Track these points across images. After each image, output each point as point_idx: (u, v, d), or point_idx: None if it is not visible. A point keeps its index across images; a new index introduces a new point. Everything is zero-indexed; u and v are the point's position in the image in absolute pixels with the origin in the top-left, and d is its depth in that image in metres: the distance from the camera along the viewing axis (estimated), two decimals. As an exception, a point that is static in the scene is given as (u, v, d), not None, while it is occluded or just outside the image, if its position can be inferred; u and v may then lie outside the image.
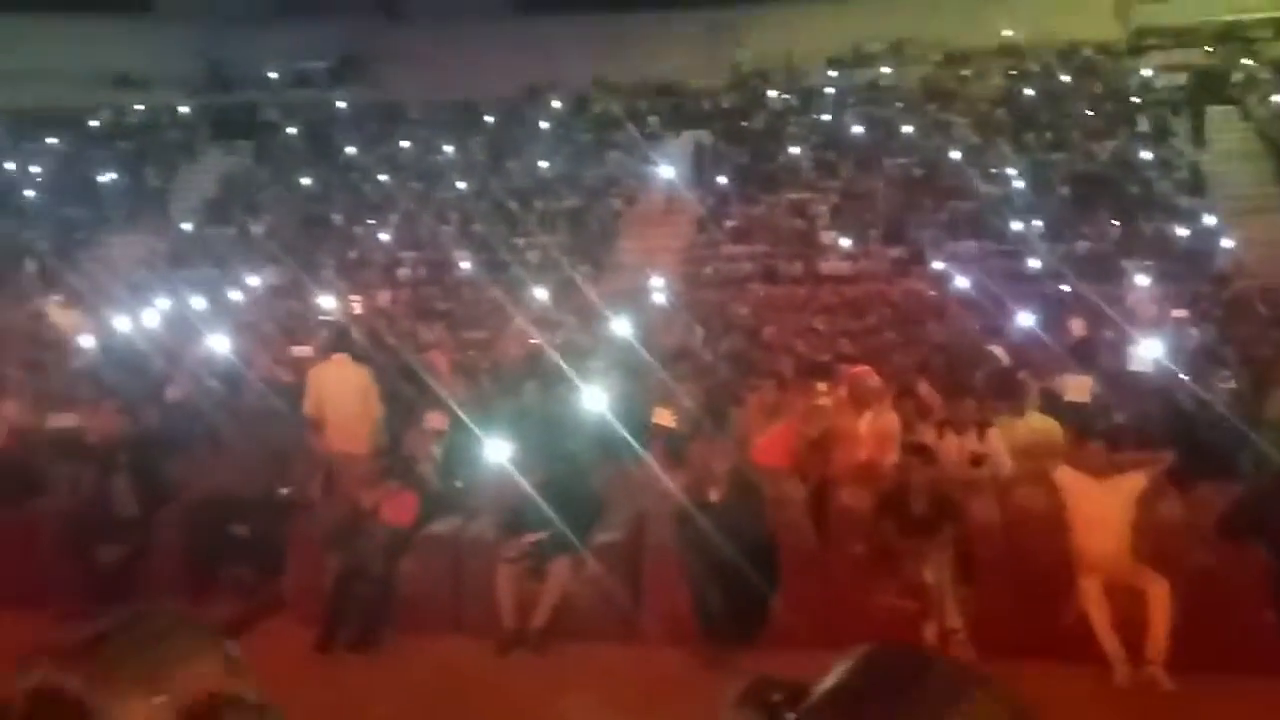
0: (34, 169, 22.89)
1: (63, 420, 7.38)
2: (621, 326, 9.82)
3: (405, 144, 22.91)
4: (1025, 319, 10.15)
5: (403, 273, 17.96)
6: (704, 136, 20.58)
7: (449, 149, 22.04)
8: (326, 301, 12.64)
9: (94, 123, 24.93)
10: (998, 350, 8.85)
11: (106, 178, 22.55)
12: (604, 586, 6.00)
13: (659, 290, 12.50)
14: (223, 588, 6.63)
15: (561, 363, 8.25)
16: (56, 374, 9.24)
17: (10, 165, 22.82)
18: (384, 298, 14.43)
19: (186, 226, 20.80)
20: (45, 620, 6.24)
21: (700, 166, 19.51)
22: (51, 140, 23.81)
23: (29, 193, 22.03)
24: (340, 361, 7.82)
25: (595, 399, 7.30)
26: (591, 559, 6.05)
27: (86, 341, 10.08)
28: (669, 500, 6.07)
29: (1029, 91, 20.74)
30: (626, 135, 20.48)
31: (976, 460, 6.52)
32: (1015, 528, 5.87)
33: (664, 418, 7.08)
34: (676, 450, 6.64)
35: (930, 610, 5.57)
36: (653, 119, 21.54)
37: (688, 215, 18.17)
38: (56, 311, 12.59)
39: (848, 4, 24.99)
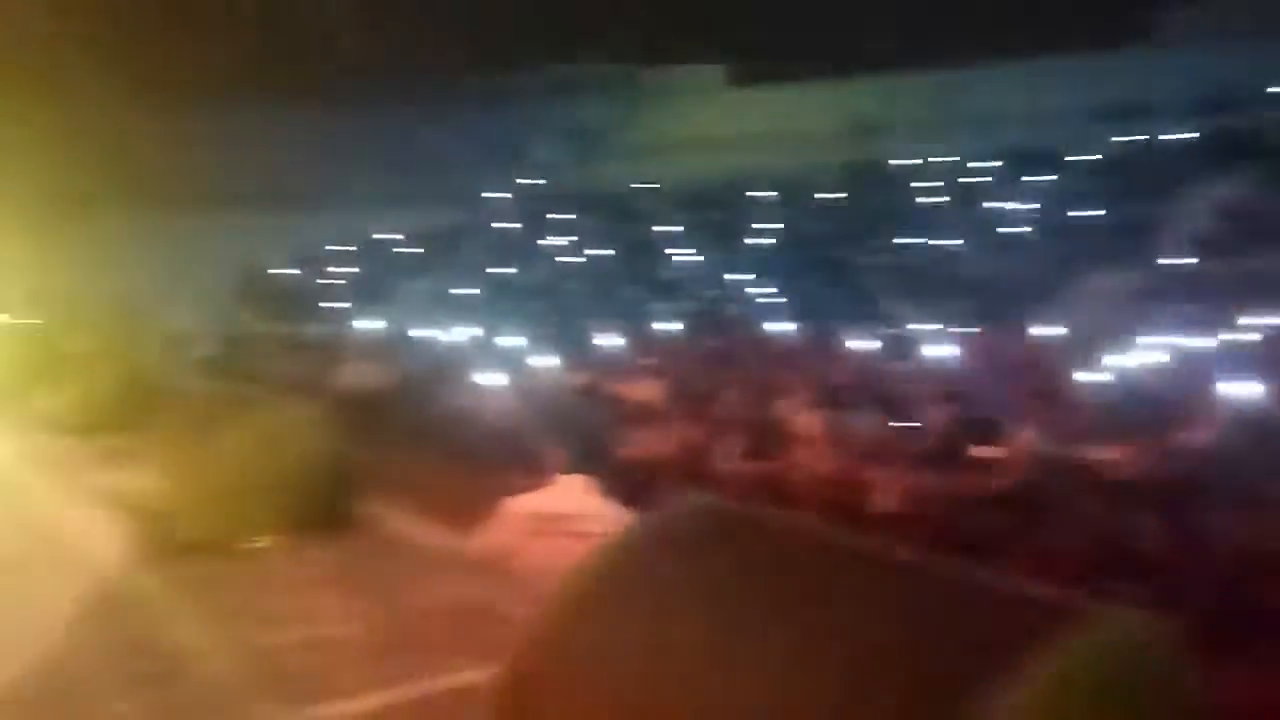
0: (1022, 206, 24.26)
1: (1090, 453, 7.29)
2: None
3: None
4: None
5: None
6: None
7: None
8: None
9: (1081, 158, 25.41)
10: None
11: (1088, 212, 22.83)
12: None
13: None
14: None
15: None
16: (1066, 405, 9.32)
17: (993, 204, 24.47)
18: None
19: (1174, 260, 19.85)
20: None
21: None
22: (1033, 178, 24.87)
23: (1017, 229, 23.39)
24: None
25: None
26: None
27: (1098, 375, 10.00)
28: None
29: None
30: None
31: None
32: None
33: None
34: None
35: None
36: None
37: None
38: (1053, 344, 12.89)
39: None
